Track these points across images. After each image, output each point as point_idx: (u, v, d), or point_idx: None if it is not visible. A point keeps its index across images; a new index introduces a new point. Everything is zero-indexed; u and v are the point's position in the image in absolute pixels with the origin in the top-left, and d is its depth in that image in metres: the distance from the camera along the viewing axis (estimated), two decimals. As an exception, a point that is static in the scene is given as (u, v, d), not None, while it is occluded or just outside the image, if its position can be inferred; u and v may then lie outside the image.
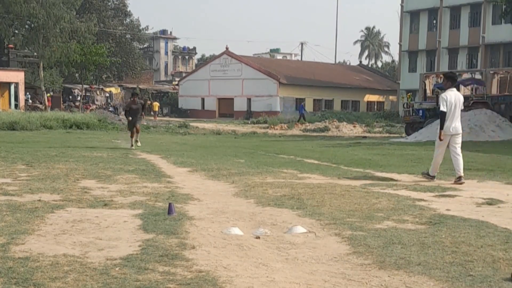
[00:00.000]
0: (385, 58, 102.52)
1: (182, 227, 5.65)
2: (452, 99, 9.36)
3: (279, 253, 4.86)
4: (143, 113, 18.08)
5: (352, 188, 8.52)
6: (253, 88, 56.08)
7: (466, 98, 28.58)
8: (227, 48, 59.63)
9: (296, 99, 56.59)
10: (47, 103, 46.25)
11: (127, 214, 6.32)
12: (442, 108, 9.29)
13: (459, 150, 9.44)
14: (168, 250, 4.73)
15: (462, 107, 9.63)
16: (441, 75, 36.81)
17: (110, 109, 52.40)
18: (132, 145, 17.23)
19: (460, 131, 9.48)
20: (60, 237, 5.19)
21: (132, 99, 17.95)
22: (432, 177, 9.62)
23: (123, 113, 56.26)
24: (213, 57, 68.08)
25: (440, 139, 9.41)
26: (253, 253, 4.82)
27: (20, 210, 6.36)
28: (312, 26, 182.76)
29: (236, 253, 4.80)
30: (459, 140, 9.50)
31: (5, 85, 42.85)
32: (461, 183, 9.06)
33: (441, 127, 9.38)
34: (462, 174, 9.30)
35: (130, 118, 17.39)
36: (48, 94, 48.16)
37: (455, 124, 9.39)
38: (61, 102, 54.55)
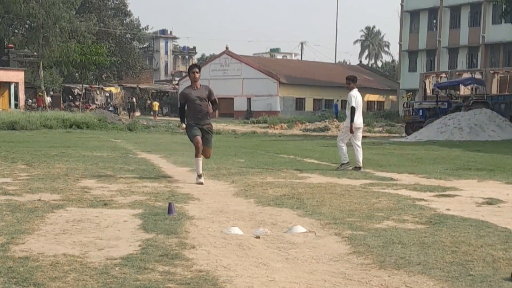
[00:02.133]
0: (385, 57, 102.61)
1: (182, 227, 5.65)
2: (358, 97, 11.05)
3: (279, 253, 4.86)
4: (211, 108, 9.18)
5: (352, 187, 8.52)
6: (253, 87, 56.09)
7: (466, 98, 28.81)
8: (227, 48, 59.64)
9: (296, 98, 56.58)
10: (46, 102, 46.20)
11: (127, 214, 6.32)
12: (353, 104, 10.89)
13: (360, 143, 11.04)
14: (168, 250, 4.73)
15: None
16: (441, 75, 36.90)
17: (110, 109, 52.43)
18: (200, 176, 9.12)
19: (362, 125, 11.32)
20: (60, 237, 5.18)
21: (193, 74, 9.11)
22: (348, 163, 11.00)
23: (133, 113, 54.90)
24: (213, 57, 68.06)
25: (352, 132, 10.95)
26: (253, 253, 4.81)
27: (20, 210, 6.35)
28: (312, 26, 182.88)
29: (236, 253, 4.80)
30: (361, 133, 11.25)
31: (5, 85, 42.86)
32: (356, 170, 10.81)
33: (352, 120, 10.98)
34: (361, 165, 10.91)
35: (189, 121, 9.24)
36: (39, 93, 47.95)
37: (361, 118, 11.17)
38: (61, 101, 54.59)
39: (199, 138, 9.13)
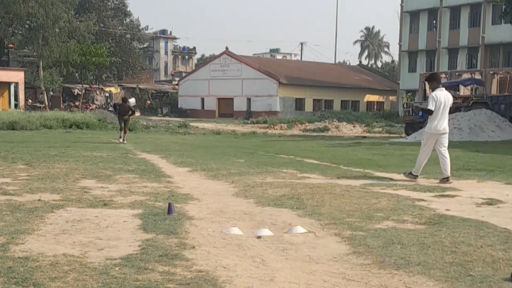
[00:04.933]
0: (385, 58, 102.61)
1: (181, 227, 5.65)
2: (442, 98, 9.58)
3: (279, 253, 4.87)
4: None
5: (352, 188, 8.51)
6: (253, 88, 56.06)
7: (465, 98, 28.81)
8: (227, 48, 59.62)
9: (296, 99, 56.59)
10: (46, 101, 46.08)
11: (127, 214, 6.32)
12: (431, 107, 9.46)
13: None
14: (167, 250, 4.73)
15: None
16: (441, 75, 36.88)
17: (109, 109, 52.37)
18: None
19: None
20: (60, 237, 5.19)
21: None
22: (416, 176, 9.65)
23: None
24: (213, 57, 68.06)
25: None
26: (253, 253, 4.82)
27: (20, 210, 6.36)
28: (312, 26, 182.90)
29: (236, 253, 4.80)
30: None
31: (5, 85, 42.84)
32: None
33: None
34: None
35: None
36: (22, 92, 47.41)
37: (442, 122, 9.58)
38: (61, 101, 54.54)
39: None
